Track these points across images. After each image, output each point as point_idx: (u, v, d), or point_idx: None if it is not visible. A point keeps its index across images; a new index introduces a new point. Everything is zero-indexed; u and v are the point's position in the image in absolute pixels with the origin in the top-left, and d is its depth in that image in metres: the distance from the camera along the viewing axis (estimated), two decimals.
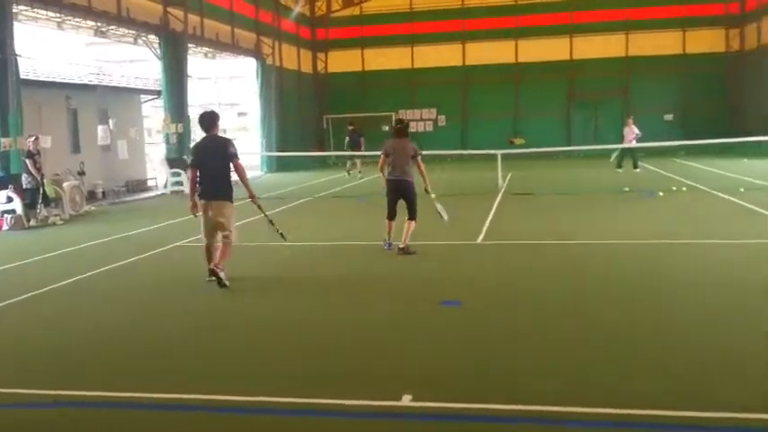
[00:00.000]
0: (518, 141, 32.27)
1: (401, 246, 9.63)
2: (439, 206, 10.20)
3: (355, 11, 35.51)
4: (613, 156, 23.56)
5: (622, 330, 6.02)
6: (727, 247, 9.66)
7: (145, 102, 23.78)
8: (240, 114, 51.09)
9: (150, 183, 23.25)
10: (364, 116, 33.41)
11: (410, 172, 9.76)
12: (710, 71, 32.77)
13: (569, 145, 31.05)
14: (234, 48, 26.83)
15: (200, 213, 8.23)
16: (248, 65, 29.18)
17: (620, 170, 22.13)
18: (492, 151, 20.31)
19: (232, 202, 8.31)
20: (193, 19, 23.30)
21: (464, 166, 28.01)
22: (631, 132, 22.18)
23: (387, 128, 34.98)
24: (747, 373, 4.89)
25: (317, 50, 36.11)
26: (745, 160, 24.97)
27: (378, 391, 4.78)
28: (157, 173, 23.87)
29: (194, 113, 25.96)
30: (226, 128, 43.18)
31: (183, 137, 22.18)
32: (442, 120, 35.33)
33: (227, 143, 8.40)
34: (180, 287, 8.39)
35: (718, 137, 22.69)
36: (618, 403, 4.42)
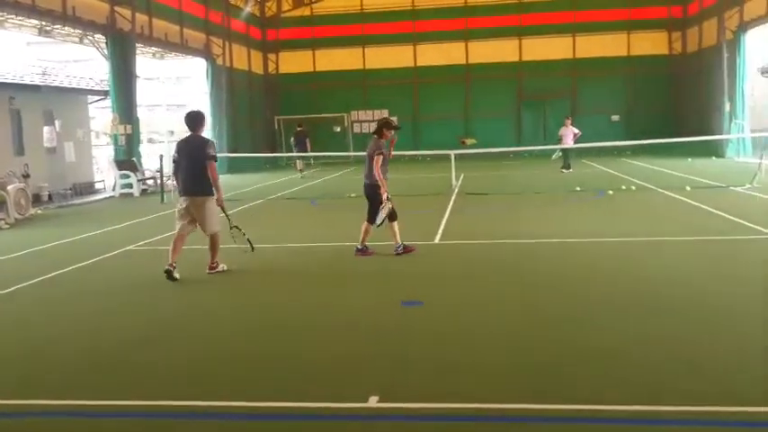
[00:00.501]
0: (470, 142, 32.48)
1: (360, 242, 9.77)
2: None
3: (306, 11, 35.36)
4: (554, 156, 23.65)
5: (577, 327, 6.12)
6: (675, 243, 9.91)
7: (91, 102, 23.19)
8: None
9: (98, 185, 22.71)
10: (316, 117, 33.36)
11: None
12: (654, 73, 33.64)
13: (519, 145, 31.50)
14: (183, 48, 26.41)
15: (179, 206, 8.74)
16: (197, 65, 28.76)
17: (568, 171, 22.39)
18: (445, 152, 20.43)
19: (210, 195, 8.63)
20: (141, 18, 22.86)
21: (417, 166, 28.12)
22: (570, 132, 22.42)
23: (338, 129, 35.05)
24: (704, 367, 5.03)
25: (268, 51, 35.82)
26: (690, 160, 25.69)
27: (344, 393, 4.76)
28: (105, 175, 23.32)
29: (142, 114, 25.52)
30: (174, 129, 42.52)
31: (132, 138, 21.74)
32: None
33: (205, 144, 8.66)
34: (130, 292, 8.19)
35: (662, 137, 23.27)
36: (576, 398, 4.49)
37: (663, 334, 5.75)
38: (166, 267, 8.39)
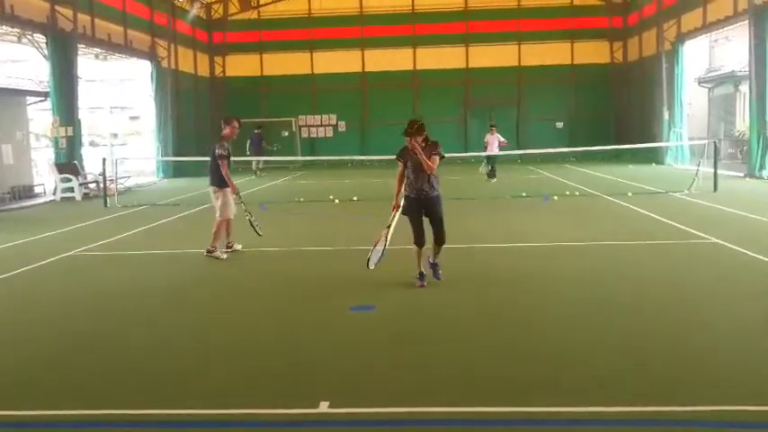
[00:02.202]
0: None
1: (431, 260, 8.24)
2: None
3: (253, 15, 35.07)
4: (481, 169, 23.61)
5: (523, 328, 6.22)
6: (611, 246, 10.17)
7: (31, 104, 22.52)
8: (132, 118, 49.35)
9: (38, 189, 22.04)
10: (264, 121, 33.08)
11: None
12: (597, 81, 34.46)
13: (467, 151, 31.81)
14: (127, 49, 25.87)
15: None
16: (142, 67, 28.21)
17: (493, 180, 22.21)
18: (392, 157, 20.42)
19: (223, 187, 10.15)
20: (83, 18, 22.31)
21: (365, 171, 28.15)
22: (495, 140, 22.68)
23: (286, 133, 34.84)
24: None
25: (215, 54, 35.39)
26: (630, 166, 26.39)
27: (294, 399, 4.73)
28: (46, 179, 22.66)
29: (85, 116, 24.92)
30: (117, 132, 41.59)
31: (74, 141, 21.20)
32: (342, 126, 35.42)
33: (216, 146, 10.19)
34: (74, 300, 7.99)
35: (605, 144, 23.85)
36: (521, 399, 4.57)
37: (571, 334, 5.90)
38: (227, 244, 10.40)
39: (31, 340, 6.40)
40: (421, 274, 8.01)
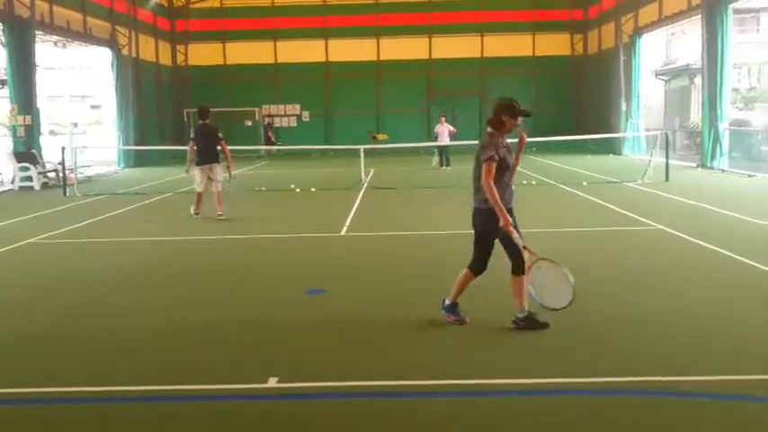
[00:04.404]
0: (381, 137, 32.98)
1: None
2: None
3: (216, 3, 34.86)
4: (434, 164, 23.95)
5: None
6: (558, 233, 10.54)
7: None
8: (93, 107, 48.71)
9: None
10: (227, 111, 32.99)
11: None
12: (558, 73, 35.00)
13: (430, 141, 32.12)
14: (87, 37, 25.60)
15: (197, 172, 12.61)
16: (102, 55, 27.92)
17: (449, 168, 22.70)
18: (354, 146, 20.70)
19: (219, 163, 12.80)
20: (41, 5, 22.03)
21: (328, 161, 28.30)
22: (446, 129, 23.06)
23: (250, 123, 34.79)
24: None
25: (177, 42, 35.12)
26: (589, 157, 26.96)
27: (245, 375, 4.95)
28: (3, 168, 22.38)
29: (43, 105, 24.63)
30: (77, 121, 41.06)
31: (32, 129, 20.97)
32: (305, 115, 35.48)
33: (216, 130, 12.79)
34: (36, 287, 8.08)
35: (565, 134, 24.34)
36: (465, 374, 4.86)
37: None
38: (193, 213, 12.76)
39: None
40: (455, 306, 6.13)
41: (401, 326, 6.10)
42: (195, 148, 12.67)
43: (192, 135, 13.04)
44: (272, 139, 33.54)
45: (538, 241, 9.83)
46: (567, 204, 13.91)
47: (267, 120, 34.46)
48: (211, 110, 13.17)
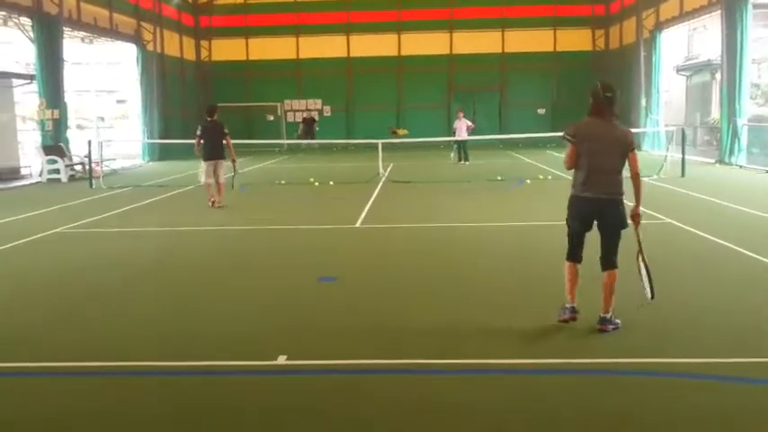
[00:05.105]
0: (401, 132, 33.24)
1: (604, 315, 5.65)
2: None
3: None
4: (452, 158, 24.21)
5: (464, 302, 6.79)
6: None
7: (17, 86, 22.82)
8: (119, 102, 49.40)
9: (24, 171, 22.39)
10: (249, 106, 33.51)
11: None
12: (579, 68, 34.89)
13: (449, 136, 32.31)
14: (113, 33, 26.17)
15: (203, 166, 13.60)
16: (128, 51, 28.50)
17: (467, 162, 23.01)
18: (373, 141, 20.99)
19: (224, 159, 13.37)
20: (69, 2, 22.62)
21: (349, 156, 28.64)
22: (464, 125, 23.28)
23: (272, 117, 35.23)
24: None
25: (201, 38, 35.68)
26: None
27: (257, 353, 5.30)
28: (32, 161, 23.00)
29: (71, 99, 25.22)
30: (104, 115, 41.73)
31: (60, 123, 21.54)
32: (327, 110, 35.84)
33: (222, 126, 13.38)
34: (61, 272, 8.48)
35: None
36: (472, 353, 5.14)
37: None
38: (210, 202, 13.34)
39: (19, 306, 6.91)
40: (572, 308, 5.70)
41: (409, 310, 6.40)
42: (201, 143, 13.28)
43: (198, 131, 13.36)
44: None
45: (549, 234, 10.16)
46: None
47: (309, 114, 34.50)
48: (234, 105, 13.63)
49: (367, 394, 4.58)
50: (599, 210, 5.62)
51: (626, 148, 5.56)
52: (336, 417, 4.24)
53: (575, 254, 5.76)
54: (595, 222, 5.69)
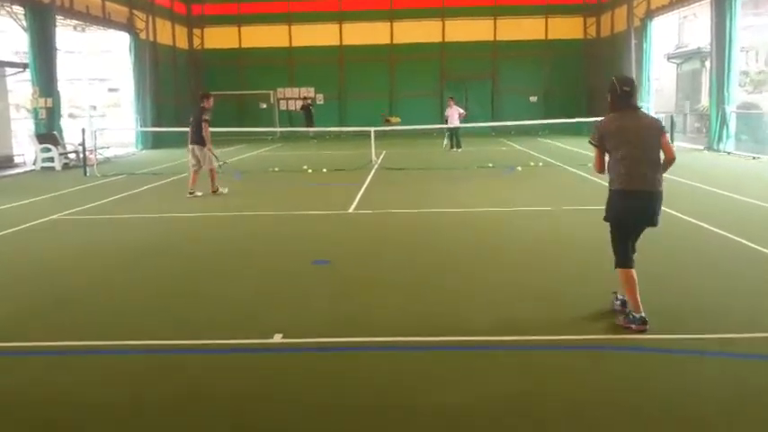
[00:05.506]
0: (394, 120, 33.36)
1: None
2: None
3: None
4: (444, 146, 24.44)
5: (450, 281, 6.99)
6: (547, 212, 10.97)
7: (9, 75, 22.82)
8: (111, 90, 49.25)
9: (18, 159, 22.46)
10: (242, 94, 33.53)
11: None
12: (570, 56, 35.12)
13: (442, 124, 32.47)
14: (105, 21, 26.17)
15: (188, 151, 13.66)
16: (120, 39, 28.49)
17: (459, 150, 23.28)
18: (366, 128, 21.15)
19: (202, 145, 13.29)
20: None
21: (342, 144, 28.78)
22: (455, 112, 23.45)
23: (264, 106, 35.29)
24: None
25: (193, 26, 35.65)
26: None
27: (253, 332, 5.50)
28: (25, 149, 23.06)
29: (64, 88, 25.23)
30: (96, 104, 41.67)
31: (53, 112, 21.60)
32: (319, 98, 35.91)
33: (201, 113, 13.32)
34: (58, 257, 8.65)
35: (576, 117, 24.61)
36: (442, 331, 5.34)
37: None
38: (189, 191, 13.35)
39: (14, 292, 7.08)
40: (642, 319, 5.26)
41: (401, 289, 6.60)
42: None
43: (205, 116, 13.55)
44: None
45: (534, 218, 10.40)
46: (568, 184, 14.30)
47: (306, 101, 33.75)
48: (227, 93, 13.73)
49: (360, 370, 4.78)
50: (646, 205, 5.35)
51: (659, 132, 5.37)
52: (330, 390, 4.44)
53: (628, 257, 5.42)
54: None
